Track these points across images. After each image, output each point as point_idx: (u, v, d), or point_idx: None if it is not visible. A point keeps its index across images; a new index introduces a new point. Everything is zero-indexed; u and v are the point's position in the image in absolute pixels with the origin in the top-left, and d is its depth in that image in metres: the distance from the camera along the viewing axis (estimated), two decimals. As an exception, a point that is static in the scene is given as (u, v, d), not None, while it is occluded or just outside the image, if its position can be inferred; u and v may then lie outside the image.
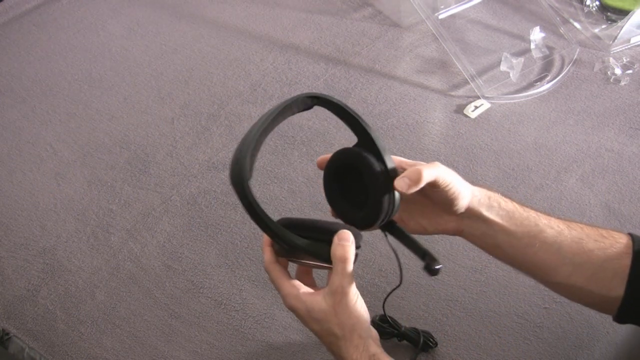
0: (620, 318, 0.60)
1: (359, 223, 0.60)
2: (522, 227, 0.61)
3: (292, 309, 0.59)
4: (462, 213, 0.62)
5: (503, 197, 0.64)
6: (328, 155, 0.63)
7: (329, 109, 0.61)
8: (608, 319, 0.79)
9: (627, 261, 0.58)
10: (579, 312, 0.81)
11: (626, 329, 0.79)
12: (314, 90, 1.18)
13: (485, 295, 0.84)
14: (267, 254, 0.61)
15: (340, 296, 0.56)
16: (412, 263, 0.87)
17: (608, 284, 0.58)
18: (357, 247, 0.58)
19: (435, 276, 0.57)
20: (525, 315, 0.81)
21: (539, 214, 0.63)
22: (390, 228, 0.62)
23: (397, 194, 0.58)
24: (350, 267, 0.56)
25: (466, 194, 0.61)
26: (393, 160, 0.59)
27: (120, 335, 0.85)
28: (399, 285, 0.63)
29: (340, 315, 0.56)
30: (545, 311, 0.81)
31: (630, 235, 0.60)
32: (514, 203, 0.63)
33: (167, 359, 0.82)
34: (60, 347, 0.84)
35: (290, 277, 0.60)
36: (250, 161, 0.55)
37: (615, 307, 0.59)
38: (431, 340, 0.77)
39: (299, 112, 0.60)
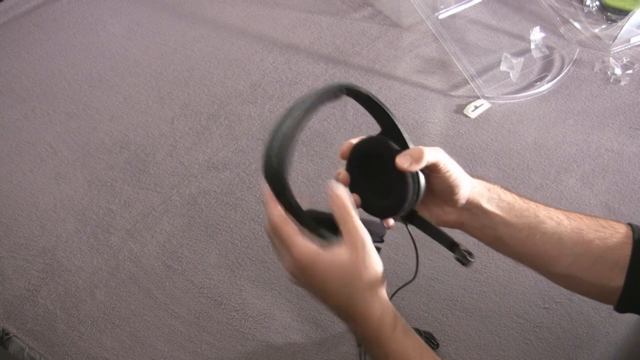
0: (620, 308, 0.60)
1: (382, 212, 0.60)
2: (522, 218, 0.61)
3: (306, 268, 0.53)
4: (462, 205, 0.62)
5: (502, 189, 0.64)
6: (351, 142, 0.62)
7: (355, 99, 0.60)
8: (608, 319, 0.79)
9: (627, 251, 0.58)
10: (579, 312, 0.81)
11: (626, 329, 0.79)
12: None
13: (485, 295, 0.84)
14: (277, 209, 0.54)
15: (362, 249, 0.53)
16: (413, 262, 0.88)
17: (608, 274, 0.58)
18: (381, 241, 0.58)
19: (468, 267, 0.57)
20: (525, 315, 0.81)
21: (538, 204, 0.63)
22: (413, 218, 0.62)
23: (422, 182, 0.58)
24: (355, 218, 0.53)
25: (466, 184, 0.61)
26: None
27: (120, 335, 0.85)
28: (412, 280, 0.63)
29: (368, 266, 0.54)
30: (545, 311, 0.81)
31: (630, 225, 0.60)
32: (514, 194, 0.63)
33: (167, 359, 0.82)
34: (60, 347, 0.84)
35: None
36: (289, 156, 0.52)
37: (615, 297, 0.59)
38: (432, 341, 0.77)
39: (328, 102, 0.58)
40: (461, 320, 0.81)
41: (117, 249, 0.96)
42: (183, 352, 0.82)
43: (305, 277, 0.55)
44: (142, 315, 0.87)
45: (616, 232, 0.59)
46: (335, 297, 0.55)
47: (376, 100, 0.59)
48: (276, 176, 0.51)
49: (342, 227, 0.54)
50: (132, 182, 1.05)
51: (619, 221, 0.61)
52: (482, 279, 0.85)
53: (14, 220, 1.02)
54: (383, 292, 0.56)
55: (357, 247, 0.54)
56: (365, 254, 0.54)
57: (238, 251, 0.93)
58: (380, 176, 0.60)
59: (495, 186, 0.64)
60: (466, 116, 1.10)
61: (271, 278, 0.89)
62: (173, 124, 1.15)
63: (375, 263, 0.55)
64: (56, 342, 0.85)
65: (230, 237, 0.95)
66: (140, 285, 0.91)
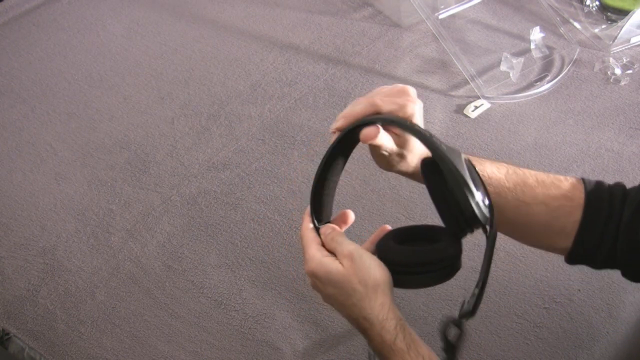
0: (570, 260, 0.63)
1: (465, 223, 0.60)
2: None
3: (312, 273, 0.58)
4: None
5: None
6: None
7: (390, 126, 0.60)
8: (608, 319, 0.79)
9: (577, 217, 0.61)
10: (579, 312, 0.81)
11: (626, 329, 0.79)
12: (314, 91, 1.18)
13: (485, 295, 0.84)
14: (306, 222, 0.62)
15: (350, 260, 0.56)
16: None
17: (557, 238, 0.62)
18: (457, 258, 0.61)
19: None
20: (525, 315, 0.81)
21: (493, 162, 0.64)
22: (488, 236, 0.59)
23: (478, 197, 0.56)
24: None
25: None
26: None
27: (120, 335, 0.85)
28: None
29: (360, 274, 0.56)
30: (545, 311, 0.81)
31: (582, 179, 0.63)
32: (477, 158, 0.63)
33: (167, 359, 0.82)
34: (60, 347, 0.84)
35: (319, 244, 0.60)
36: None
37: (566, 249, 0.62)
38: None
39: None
40: (461, 320, 0.81)
41: (117, 249, 0.96)
42: (183, 352, 0.82)
43: (316, 285, 0.59)
44: (142, 315, 0.87)
45: (564, 189, 0.62)
46: (341, 305, 0.58)
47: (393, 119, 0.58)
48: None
49: (331, 246, 0.58)
50: (132, 182, 1.05)
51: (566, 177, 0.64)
52: (482, 279, 0.85)
53: (14, 220, 1.02)
54: (385, 296, 0.56)
55: (345, 258, 0.56)
56: (356, 266, 0.56)
57: (238, 251, 0.93)
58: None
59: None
60: (466, 116, 1.10)
61: (271, 278, 0.89)
62: (173, 124, 1.15)
63: (372, 273, 0.56)
64: (56, 342, 0.85)
65: (230, 237, 0.95)
66: (140, 285, 0.91)
